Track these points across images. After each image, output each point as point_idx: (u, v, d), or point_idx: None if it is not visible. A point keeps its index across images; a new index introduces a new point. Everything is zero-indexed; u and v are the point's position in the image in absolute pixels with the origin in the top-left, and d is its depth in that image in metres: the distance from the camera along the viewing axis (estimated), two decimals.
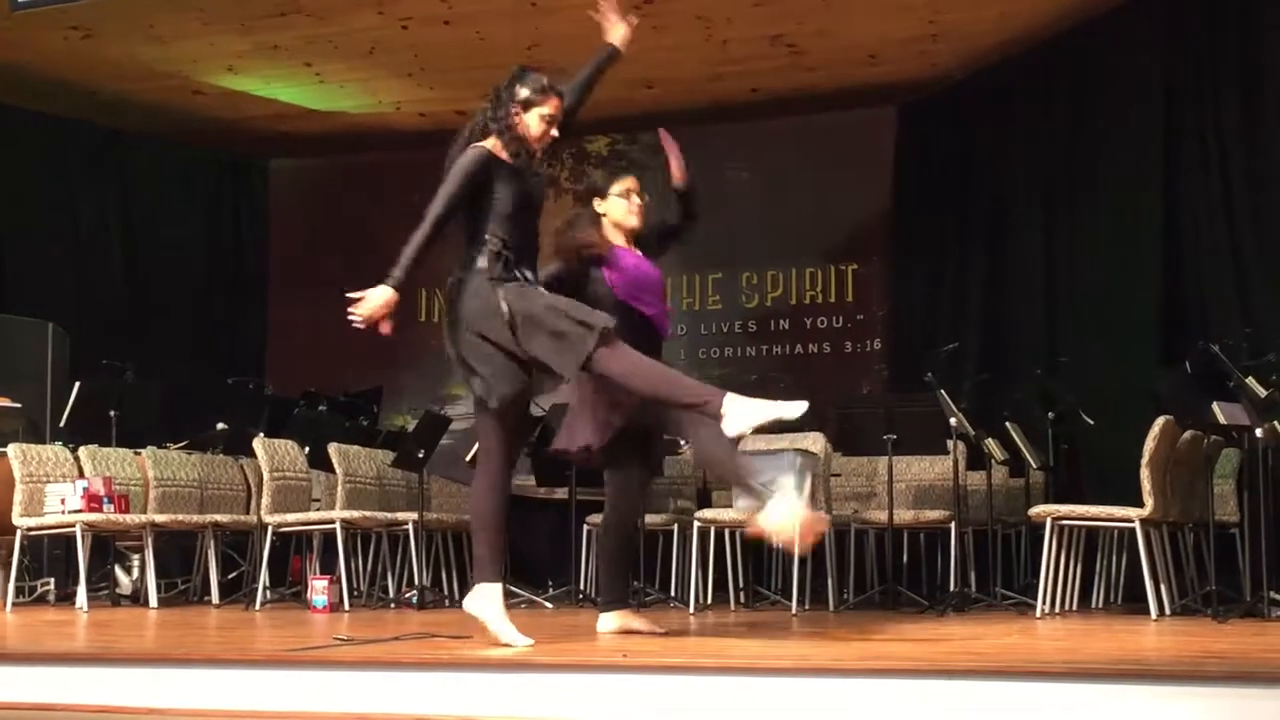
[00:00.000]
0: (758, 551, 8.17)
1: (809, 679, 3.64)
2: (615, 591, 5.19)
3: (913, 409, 7.04)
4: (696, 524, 7.30)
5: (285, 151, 11.29)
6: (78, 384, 8.39)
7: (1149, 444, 6.35)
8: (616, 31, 5.05)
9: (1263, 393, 6.07)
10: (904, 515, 7.52)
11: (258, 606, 7.55)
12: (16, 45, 9.09)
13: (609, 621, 5.10)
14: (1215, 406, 6.06)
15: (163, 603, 7.68)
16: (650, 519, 7.49)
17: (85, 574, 7.34)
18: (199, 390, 9.71)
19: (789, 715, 3.58)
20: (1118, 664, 3.71)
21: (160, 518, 7.65)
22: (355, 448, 8.17)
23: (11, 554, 7.57)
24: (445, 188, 4.58)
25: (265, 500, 7.69)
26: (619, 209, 5.21)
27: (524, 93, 4.69)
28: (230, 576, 8.49)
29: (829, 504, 7.66)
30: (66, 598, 7.94)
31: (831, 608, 7.26)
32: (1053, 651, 4.57)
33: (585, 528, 8.07)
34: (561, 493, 8.37)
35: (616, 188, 5.22)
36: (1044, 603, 6.55)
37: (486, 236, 4.55)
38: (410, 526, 7.91)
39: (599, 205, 5.23)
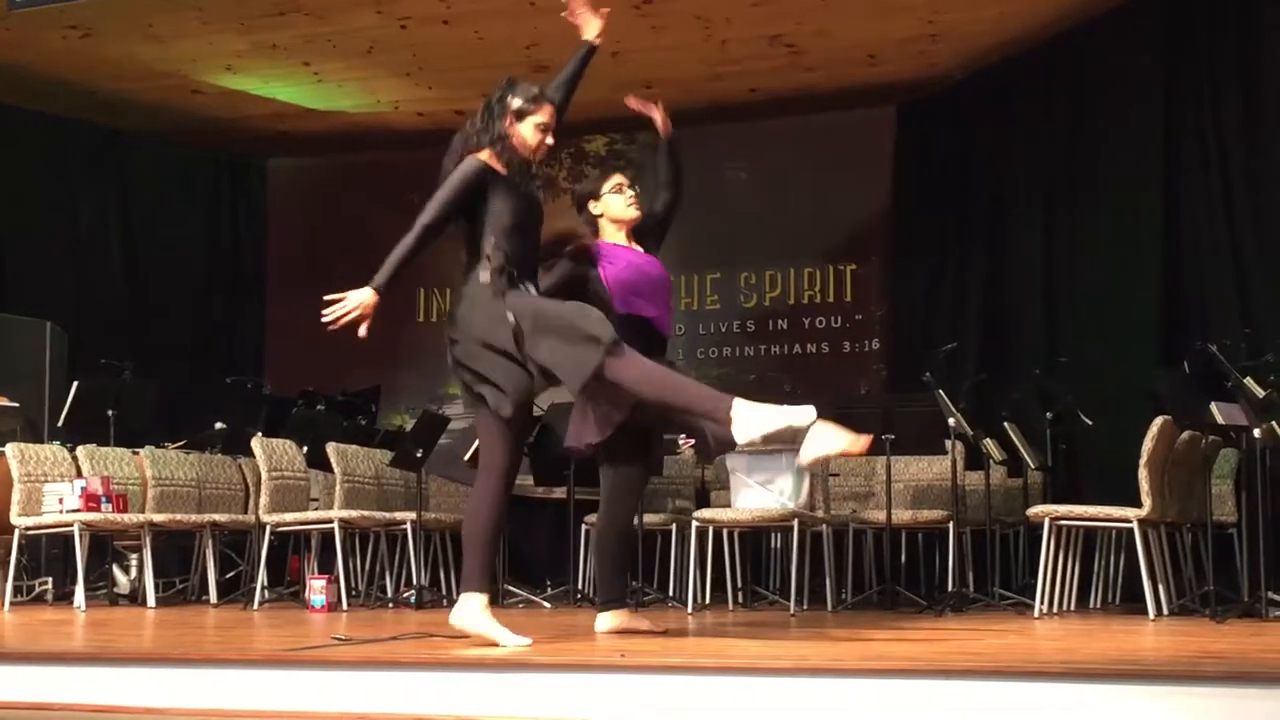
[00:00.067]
0: (756, 551, 8.18)
1: (808, 679, 3.63)
2: (614, 591, 5.17)
3: (911, 409, 7.04)
4: (695, 524, 7.29)
5: (284, 151, 11.29)
6: (76, 383, 8.39)
7: (1147, 444, 6.35)
8: (591, 28, 5.07)
9: (1261, 393, 6.07)
10: (902, 515, 7.52)
11: (256, 606, 7.55)
12: (15, 45, 9.09)
13: (607, 621, 5.09)
14: (1213, 407, 6.06)
15: (161, 602, 7.67)
16: (648, 519, 7.49)
17: (83, 573, 7.34)
18: (197, 390, 9.72)
19: (788, 715, 3.58)
20: (1115, 664, 3.71)
21: (158, 517, 7.65)
22: (353, 447, 8.17)
23: (9, 553, 7.57)
24: (437, 196, 4.57)
25: (263, 500, 7.69)
26: (616, 204, 5.20)
27: (516, 103, 4.68)
28: (228, 576, 8.48)
29: (827, 504, 7.67)
30: (64, 597, 7.94)
31: (830, 607, 7.27)
32: (1051, 651, 4.57)
33: (583, 527, 8.07)
34: (560, 492, 8.37)
35: (607, 185, 5.22)
36: (1042, 603, 6.55)
37: (488, 253, 4.54)
38: (408, 526, 7.91)
39: (594, 207, 5.22)
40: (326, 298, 4.43)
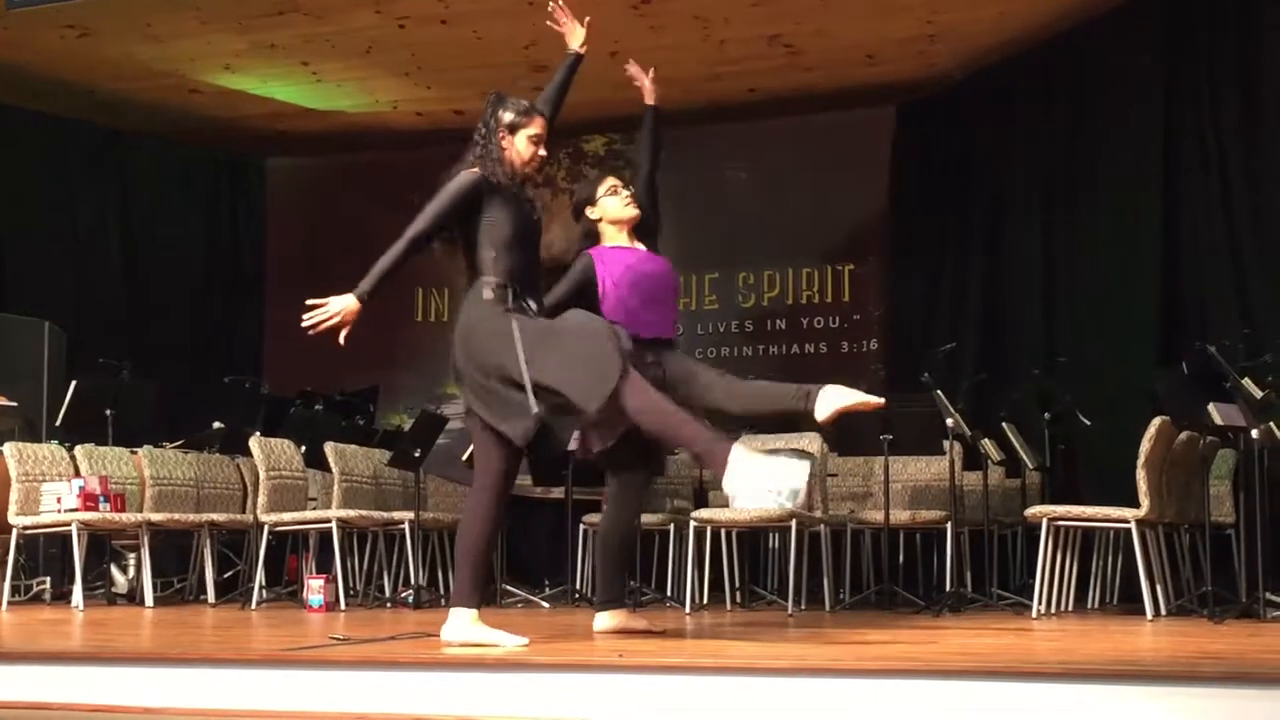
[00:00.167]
0: (754, 552, 8.18)
1: (806, 679, 3.63)
2: (612, 591, 5.17)
3: (909, 409, 7.03)
4: (693, 524, 7.29)
5: (282, 150, 11.29)
6: (74, 383, 8.39)
7: (1145, 445, 6.35)
8: (576, 37, 5.18)
9: (1259, 394, 6.07)
10: (900, 515, 7.52)
11: (254, 606, 7.54)
12: (13, 44, 9.09)
13: (605, 620, 5.09)
14: (1211, 407, 6.06)
15: (158, 602, 7.67)
16: (647, 519, 7.48)
17: (81, 573, 7.34)
18: (195, 389, 9.71)
19: (786, 715, 3.57)
20: (1113, 664, 3.71)
21: (156, 517, 7.65)
22: (351, 447, 8.17)
23: (7, 553, 7.56)
24: (430, 206, 4.55)
25: (261, 499, 7.68)
26: (614, 205, 5.19)
27: (508, 117, 4.69)
28: (226, 575, 8.48)
29: (825, 504, 7.67)
30: (62, 596, 7.93)
31: (828, 608, 7.27)
32: (1048, 652, 4.57)
33: (582, 527, 8.07)
34: (558, 492, 8.38)
35: (602, 189, 5.20)
36: (1040, 603, 6.55)
37: (489, 277, 4.52)
38: (406, 526, 7.91)
39: (592, 212, 5.19)
40: (309, 302, 4.41)
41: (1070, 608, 6.89)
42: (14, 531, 7.40)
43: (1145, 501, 6.33)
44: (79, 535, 7.30)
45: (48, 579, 8.21)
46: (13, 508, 7.34)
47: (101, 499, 7.37)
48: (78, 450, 7.72)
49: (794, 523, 7.04)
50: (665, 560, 8.09)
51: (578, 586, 7.94)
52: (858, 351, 10.04)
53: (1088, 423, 7.62)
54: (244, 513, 8.31)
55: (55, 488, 7.39)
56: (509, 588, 8.12)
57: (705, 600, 7.51)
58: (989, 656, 4.14)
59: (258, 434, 8.05)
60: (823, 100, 9.87)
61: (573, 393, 4.37)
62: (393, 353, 10.39)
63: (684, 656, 4.11)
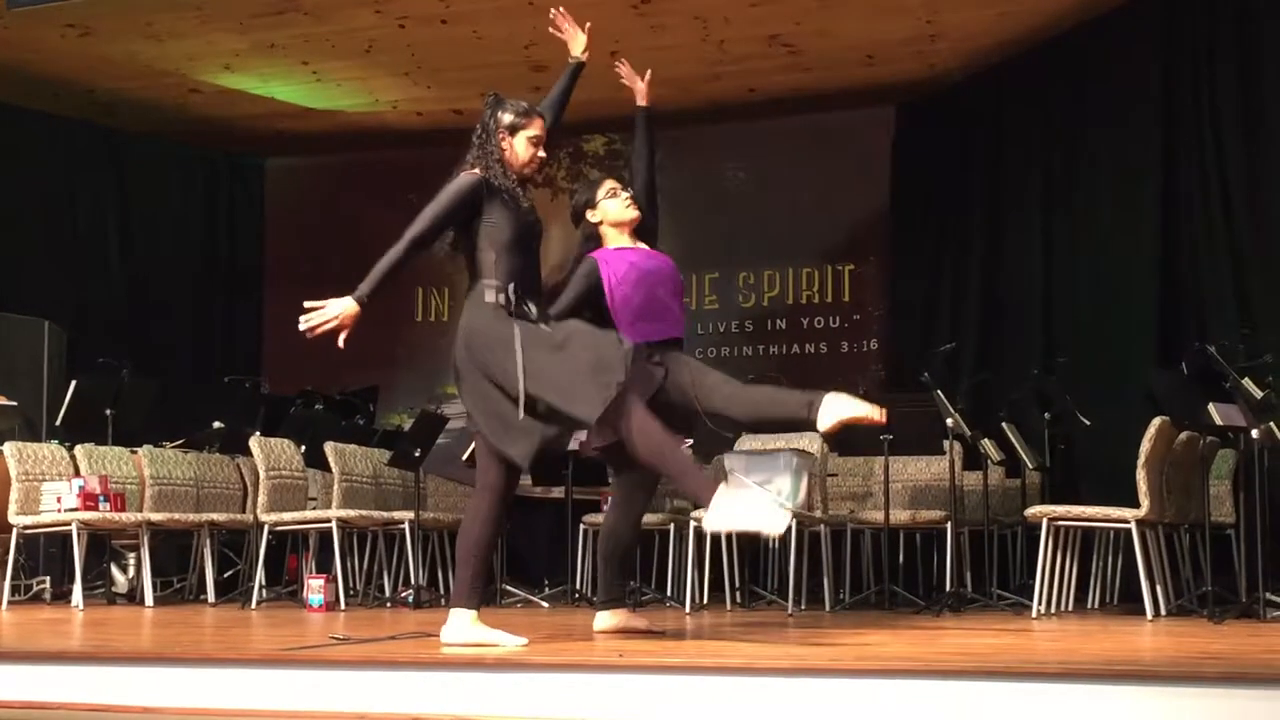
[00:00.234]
0: (754, 551, 8.18)
1: (805, 679, 3.63)
2: (613, 590, 5.17)
3: (909, 409, 7.03)
4: (693, 524, 7.29)
5: (282, 150, 11.29)
6: (74, 382, 8.39)
7: (1145, 445, 6.35)
8: (578, 44, 5.18)
9: (1259, 394, 6.07)
10: (900, 515, 7.52)
11: (254, 605, 7.54)
12: (13, 43, 9.09)
13: (606, 620, 5.09)
14: (1211, 408, 6.06)
15: (158, 601, 7.68)
16: (647, 518, 7.45)
17: (81, 572, 7.34)
18: (195, 389, 9.72)
19: (785, 715, 3.57)
20: (1113, 665, 3.71)
21: (156, 516, 7.65)
22: (351, 446, 8.17)
23: (7, 552, 7.57)
24: (430, 208, 4.53)
25: (261, 499, 7.69)
26: (614, 207, 5.17)
27: (508, 118, 4.68)
28: (226, 575, 8.48)
29: (825, 504, 7.67)
30: (62, 596, 7.94)
31: (828, 608, 7.27)
32: (1048, 652, 4.57)
33: (582, 527, 8.07)
34: (558, 492, 8.38)
35: (602, 192, 5.19)
36: (1040, 603, 6.55)
37: (490, 280, 4.51)
38: (406, 525, 7.91)
39: (593, 216, 5.18)
40: (307, 304, 4.38)
41: (1070, 608, 6.89)
42: (14, 531, 7.40)
43: (1145, 501, 6.33)
44: (79, 535, 7.30)
45: (48, 579, 8.21)
46: (13, 507, 7.35)
47: (101, 499, 7.37)
48: (78, 450, 7.72)
49: (794, 523, 7.04)
50: (665, 560, 8.09)
51: (577, 586, 7.94)
52: (858, 351, 10.05)
53: (1088, 423, 7.62)
54: (244, 512, 8.31)
55: (55, 487, 7.39)
56: (509, 588, 8.12)
57: (705, 600, 7.51)
58: (989, 656, 4.14)
59: (258, 434, 8.05)
60: (823, 100, 9.87)
61: (569, 407, 4.37)
62: (393, 353, 10.40)
63: (683, 656, 4.11)
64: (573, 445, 4.91)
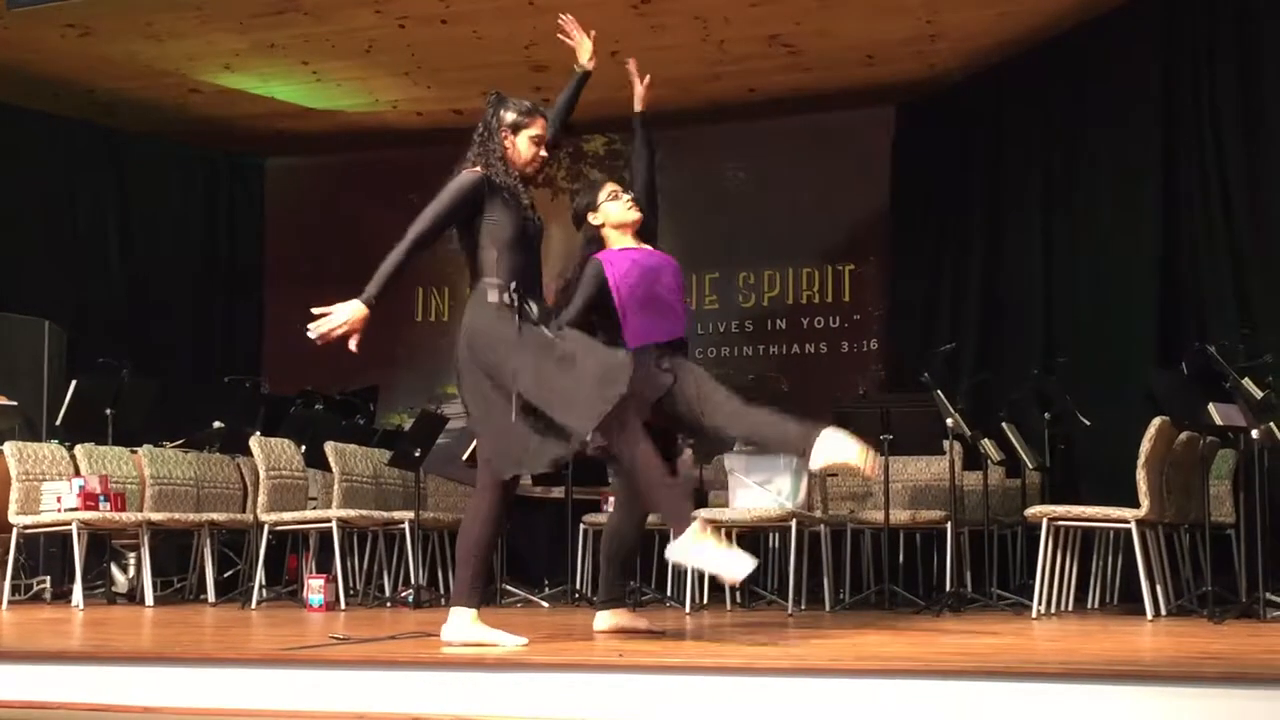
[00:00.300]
0: (754, 551, 8.15)
1: (805, 679, 3.63)
2: (613, 590, 5.17)
3: (909, 409, 7.04)
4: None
5: (282, 150, 11.29)
6: (74, 382, 8.39)
7: (1145, 445, 6.35)
8: (584, 51, 5.15)
9: (1259, 394, 6.07)
10: (900, 515, 7.51)
11: (254, 605, 7.54)
12: (13, 43, 9.09)
13: (606, 620, 5.09)
14: (1211, 408, 6.05)
15: (159, 601, 7.68)
16: (648, 519, 7.48)
17: (81, 572, 7.34)
18: (195, 389, 9.71)
19: (785, 715, 3.58)
20: (1113, 665, 3.71)
21: (156, 516, 7.65)
22: (351, 446, 8.17)
23: (7, 552, 7.57)
24: (432, 207, 4.52)
25: (261, 499, 7.69)
26: (616, 209, 5.17)
27: (510, 116, 4.68)
28: (226, 575, 8.48)
29: (825, 504, 7.67)
30: (62, 596, 7.94)
31: (828, 608, 7.27)
32: (1048, 652, 4.57)
33: (582, 527, 8.07)
34: (558, 492, 8.38)
35: (603, 194, 5.18)
36: (1040, 603, 6.55)
37: (493, 279, 4.51)
38: (406, 525, 7.91)
39: (594, 218, 5.18)
40: (314, 310, 4.36)
41: (1070, 608, 6.89)
42: (14, 531, 7.40)
43: (1145, 501, 6.33)
44: (79, 534, 7.30)
45: (48, 578, 8.21)
46: (13, 507, 7.35)
47: (101, 498, 7.37)
48: (78, 449, 7.72)
49: (794, 523, 7.04)
50: (665, 560, 8.07)
51: (577, 586, 7.93)
52: (858, 351, 10.05)
53: (1087, 423, 7.62)
54: (244, 512, 8.31)
55: (55, 487, 7.39)
56: (509, 587, 8.11)
57: (705, 600, 7.51)
58: (989, 656, 4.14)
59: (258, 434, 8.05)
60: (823, 100, 9.87)
61: (565, 417, 4.37)
62: (393, 353, 10.40)
63: (683, 656, 4.11)
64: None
